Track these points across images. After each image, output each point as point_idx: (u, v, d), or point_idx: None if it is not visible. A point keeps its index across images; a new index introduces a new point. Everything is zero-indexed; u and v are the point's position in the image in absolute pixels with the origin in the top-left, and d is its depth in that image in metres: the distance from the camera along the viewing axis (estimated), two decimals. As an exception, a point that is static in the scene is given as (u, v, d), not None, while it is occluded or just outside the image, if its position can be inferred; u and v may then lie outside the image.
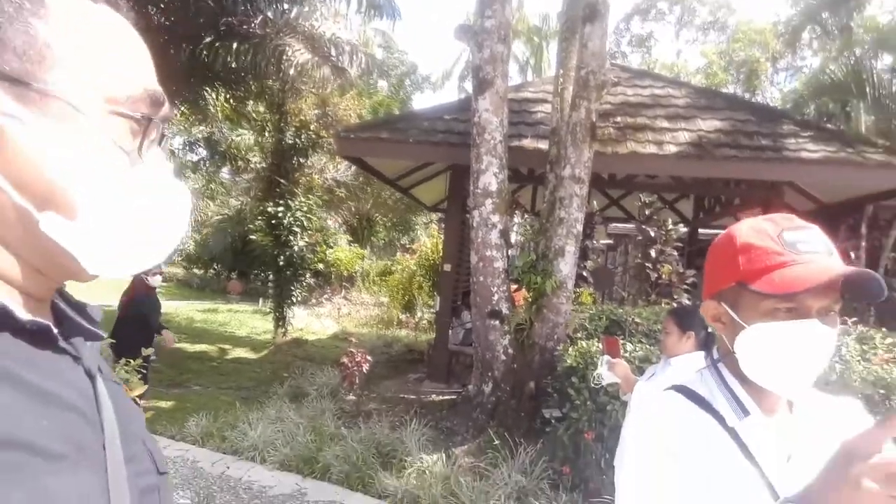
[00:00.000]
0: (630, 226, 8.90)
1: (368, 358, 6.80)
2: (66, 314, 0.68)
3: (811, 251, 1.04)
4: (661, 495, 1.00)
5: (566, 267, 5.94)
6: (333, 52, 9.84)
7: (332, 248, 14.65)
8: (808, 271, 1.01)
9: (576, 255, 6.03)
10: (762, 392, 1.09)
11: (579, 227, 6.04)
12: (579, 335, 5.39)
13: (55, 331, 0.60)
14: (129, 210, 0.61)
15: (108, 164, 0.60)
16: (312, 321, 13.33)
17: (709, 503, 0.98)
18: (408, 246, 19.63)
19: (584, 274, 6.97)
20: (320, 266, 12.83)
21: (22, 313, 0.56)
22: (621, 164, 7.22)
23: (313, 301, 15.59)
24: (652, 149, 7.30)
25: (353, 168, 15.35)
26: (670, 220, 7.33)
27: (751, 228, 1.10)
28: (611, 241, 8.00)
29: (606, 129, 7.29)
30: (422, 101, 49.90)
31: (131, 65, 0.63)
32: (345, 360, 6.75)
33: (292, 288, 11.18)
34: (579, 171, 6.04)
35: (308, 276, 11.74)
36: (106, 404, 0.63)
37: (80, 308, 0.71)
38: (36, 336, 0.58)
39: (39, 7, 0.57)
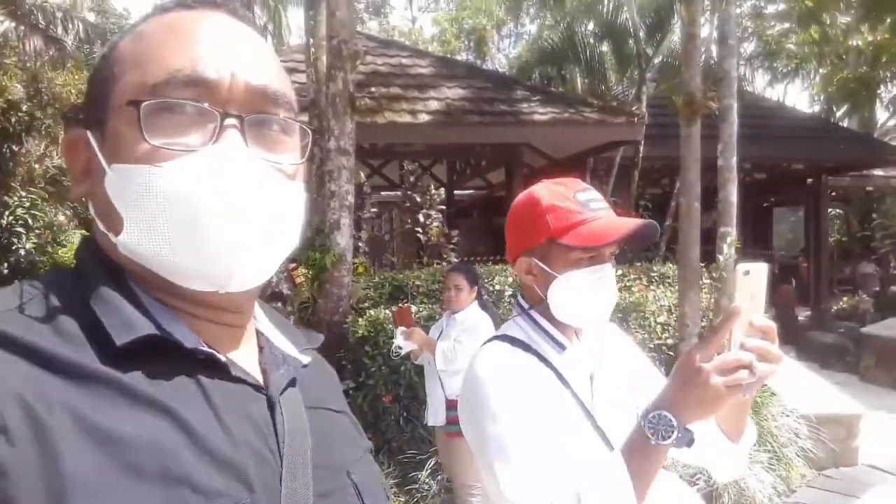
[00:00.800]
0: (393, 193, 9.24)
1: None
2: (267, 340, 0.67)
3: (599, 208, 1.26)
4: (526, 424, 1.14)
5: (343, 239, 6.01)
6: (42, 20, 8.49)
7: (65, 247, 12.81)
8: (607, 225, 1.22)
9: (351, 227, 6.11)
10: (566, 329, 1.30)
11: (351, 199, 6.12)
12: (366, 305, 5.52)
13: (222, 359, 0.58)
14: (166, 210, 0.55)
15: (143, 164, 0.55)
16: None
17: (550, 425, 1.15)
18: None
19: (360, 245, 7.11)
20: (55, 268, 11.11)
21: (192, 341, 0.56)
22: (381, 133, 7.44)
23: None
24: (407, 118, 7.62)
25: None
26: (432, 185, 7.78)
27: (550, 192, 1.28)
28: (376, 210, 8.24)
29: (363, 100, 7.41)
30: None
31: (182, 47, 0.58)
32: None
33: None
34: (344, 142, 6.08)
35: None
36: (292, 435, 0.58)
37: (293, 334, 0.71)
38: (209, 364, 0.56)
39: (117, 42, 0.61)
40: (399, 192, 8.23)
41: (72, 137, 0.61)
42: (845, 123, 15.78)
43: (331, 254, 5.85)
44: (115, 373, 0.51)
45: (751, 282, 1.01)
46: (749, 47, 16.05)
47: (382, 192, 8.50)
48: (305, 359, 0.69)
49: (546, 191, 1.28)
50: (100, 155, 0.58)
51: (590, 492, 1.05)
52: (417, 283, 5.63)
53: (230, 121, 0.57)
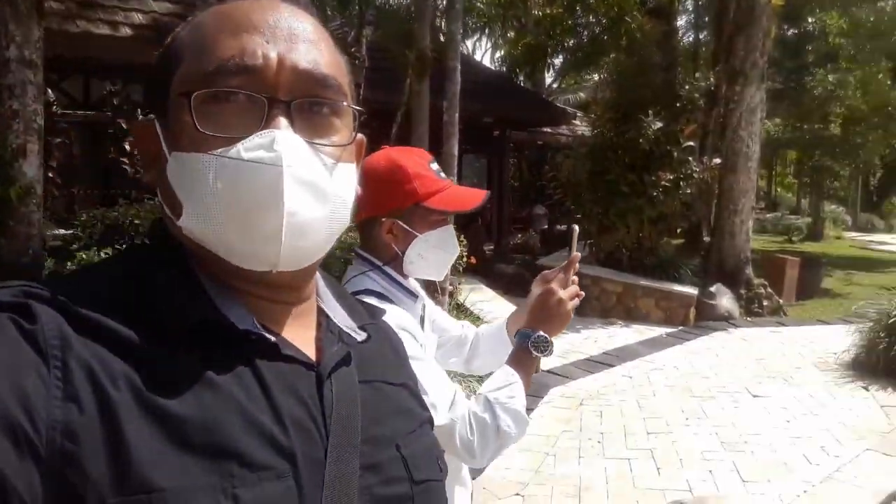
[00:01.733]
0: (87, 113, 8.00)
1: None
2: (326, 317, 0.70)
3: (447, 177, 1.47)
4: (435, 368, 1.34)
5: (31, 169, 5.09)
6: None
7: None
8: (465, 193, 1.45)
9: (41, 155, 5.21)
10: (409, 282, 1.48)
11: (40, 121, 5.19)
12: (75, 246, 4.83)
13: (272, 339, 0.60)
14: (219, 196, 0.57)
15: (196, 152, 0.58)
16: None
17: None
18: None
19: (51, 175, 6.07)
20: None
21: (245, 322, 0.59)
22: (73, 45, 6.36)
23: None
24: (106, 29, 6.65)
25: None
26: (139, 111, 6.93)
27: (412, 160, 1.42)
28: (67, 135, 7.08)
29: (49, 4, 6.22)
30: None
31: (236, 37, 0.60)
32: None
33: None
34: (29, 52, 5.08)
35: None
36: (339, 411, 0.61)
37: (355, 310, 0.74)
38: (261, 343, 0.59)
39: (182, 28, 0.64)
40: (94, 113, 7.16)
41: (142, 125, 0.64)
42: (522, 83, 18.16)
43: (16, 186, 4.94)
44: (169, 354, 0.54)
45: (574, 236, 1.53)
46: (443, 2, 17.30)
47: (79, 113, 7.34)
48: (360, 336, 0.71)
49: (407, 159, 1.41)
50: (163, 142, 0.61)
51: (495, 395, 1.31)
52: (137, 221, 5.08)
53: (277, 106, 0.59)
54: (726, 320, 7.88)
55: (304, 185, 0.58)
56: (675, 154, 8.96)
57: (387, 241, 1.41)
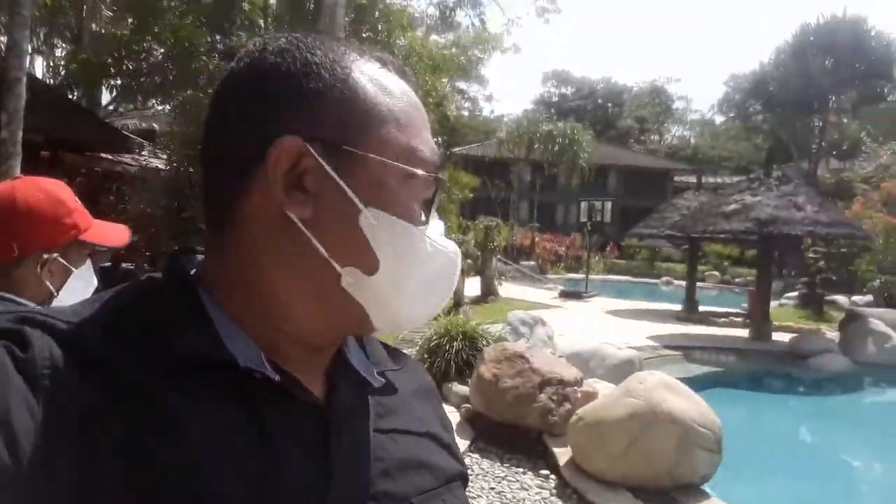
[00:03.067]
0: None
1: None
2: (344, 358, 0.66)
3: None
4: None
5: None
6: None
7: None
8: (115, 226, 1.49)
9: None
10: None
11: None
12: None
13: (276, 378, 0.56)
14: (418, 270, 0.60)
15: (408, 223, 0.60)
16: None
17: None
18: None
19: None
20: None
21: (248, 359, 0.56)
22: None
23: None
24: None
25: None
26: None
27: (65, 192, 1.37)
28: None
29: None
30: None
31: (422, 127, 0.63)
32: None
33: None
34: None
35: None
36: (345, 461, 0.58)
37: (377, 352, 0.71)
38: (265, 381, 0.56)
39: (350, 73, 0.60)
40: None
41: (301, 148, 0.57)
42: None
43: None
44: (164, 390, 0.52)
45: None
46: None
47: None
48: (377, 381, 0.66)
49: (62, 191, 1.36)
50: (348, 191, 0.58)
51: None
52: None
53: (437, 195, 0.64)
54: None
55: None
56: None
57: (41, 279, 1.31)
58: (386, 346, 0.75)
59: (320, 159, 0.57)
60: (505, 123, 34.57)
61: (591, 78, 57.94)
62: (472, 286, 15.04)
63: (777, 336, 11.85)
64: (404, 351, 0.81)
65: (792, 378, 10.31)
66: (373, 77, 0.61)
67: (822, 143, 19.63)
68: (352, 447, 0.60)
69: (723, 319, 13.57)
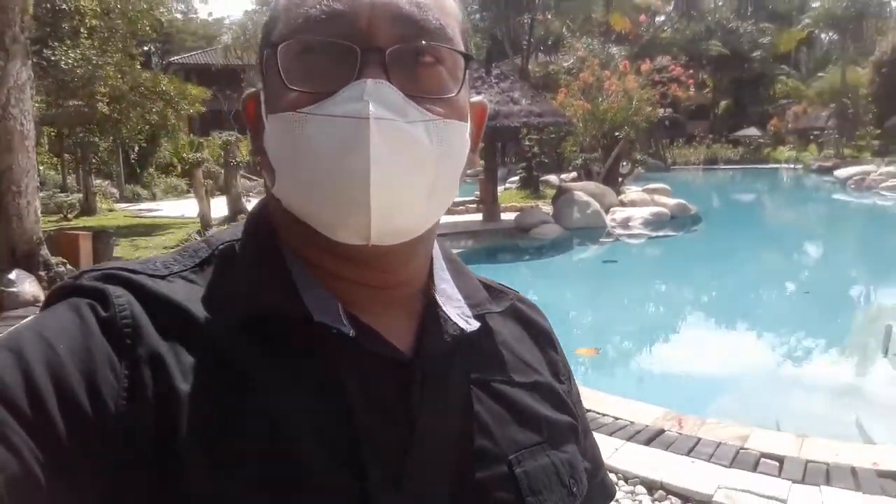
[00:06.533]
0: None
1: None
2: (434, 304, 0.60)
3: None
4: None
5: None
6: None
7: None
8: None
9: None
10: None
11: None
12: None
13: (351, 333, 0.52)
14: (303, 158, 0.51)
15: (282, 112, 0.53)
16: None
17: None
18: None
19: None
20: None
21: (323, 312, 0.53)
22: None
23: None
24: None
25: None
26: None
27: None
28: None
29: None
30: None
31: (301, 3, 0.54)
32: None
33: None
34: None
35: None
36: (430, 417, 0.54)
37: (476, 295, 0.63)
38: (340, 335, 0.52)
39: None
40: None
41: (248, 97, 0.60)
42: None
43: None
44: (242, 345, 0.51)
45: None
46: None
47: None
48: (472, 325, 0.59)
49: None
50: (263, 109, 0.56)
51: None
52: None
53: (371, 55, 0.51)
54: (35, 304, 7.53)
55: (397, 143, 0.50)
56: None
57: None
58: (488, 285, 0.68)
59: (261, 91, 0.58)
60: (228, 28, 31.89)
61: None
62: (219, 206, 14.41)
63: (505, 216, 13.72)
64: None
65: (519, 248, 12.19)
66: None
67: (531, 40, 21.90)
68: (439, 402, 0.55)
69: (460, 207, 14.97)
